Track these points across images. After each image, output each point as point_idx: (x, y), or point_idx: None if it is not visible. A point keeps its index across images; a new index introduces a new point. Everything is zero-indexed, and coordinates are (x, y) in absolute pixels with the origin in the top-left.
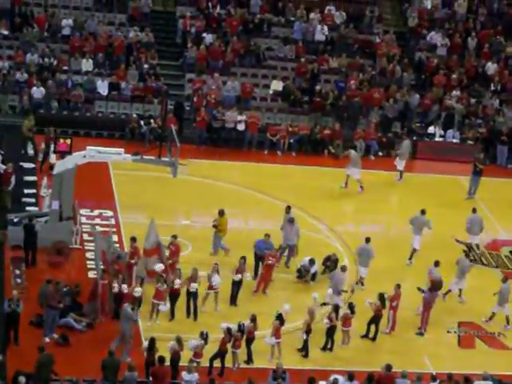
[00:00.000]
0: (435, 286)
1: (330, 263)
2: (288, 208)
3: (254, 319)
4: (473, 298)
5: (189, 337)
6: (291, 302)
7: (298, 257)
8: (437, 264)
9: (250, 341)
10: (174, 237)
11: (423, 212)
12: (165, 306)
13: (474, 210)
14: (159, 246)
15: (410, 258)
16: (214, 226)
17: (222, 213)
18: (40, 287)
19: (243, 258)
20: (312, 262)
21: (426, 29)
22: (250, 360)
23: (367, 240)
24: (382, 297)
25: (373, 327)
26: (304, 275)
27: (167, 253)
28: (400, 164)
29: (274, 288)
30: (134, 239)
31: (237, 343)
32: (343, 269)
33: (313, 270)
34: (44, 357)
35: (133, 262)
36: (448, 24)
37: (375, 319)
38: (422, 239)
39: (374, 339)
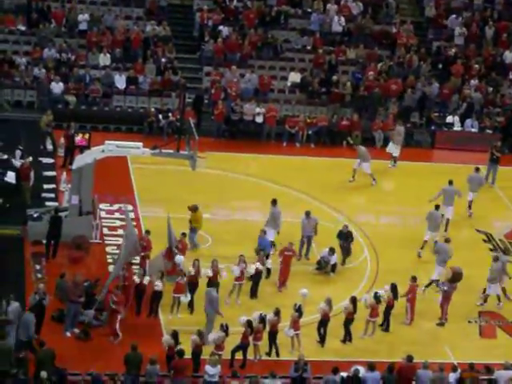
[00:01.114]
0: (455, 277)
1: (350, 238)
2: (274, 201)
3: (277, 312)
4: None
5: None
6: (312, 294)
7: (316, 246)
8: (496, 259)
9: (273, 334)
10: (184, 234)
11: (451, 183)
12: (186, 298)
13: (477, 169)
14: (172, 250)
15: (446, 230)
16: (191, 222)
17: (195, 208)
18: (55, 282)
19: (262, 250)
20: (332, 251)
21: (444, 18)
22: (276, 354)
23: (436, 207)
24: (394, 288)
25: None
26: (324, 266)
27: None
28: (395, 150)
29: (295, 280)
30: (148, 232)
31: (258, 335)
32: (447, 240)
33: (333, 261)
34: (43, 353)
35: (143, 254)
36: (465, 13)
37: (387, 310)
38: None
39: (386, 329)
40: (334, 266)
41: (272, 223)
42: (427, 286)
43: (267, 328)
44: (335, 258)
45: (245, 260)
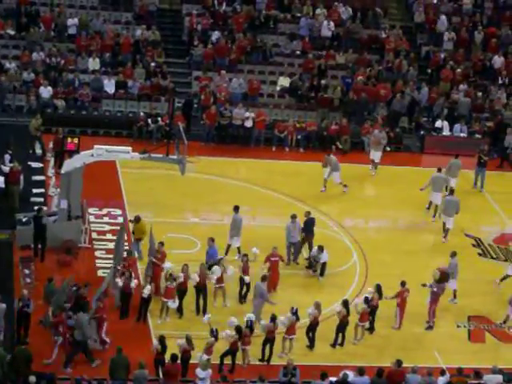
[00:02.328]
0: (443, 278)
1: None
2: (236, 208)
3: (273, 318)
4: (482, 292)
5: (198, 334)
6: (302, 299)
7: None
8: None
9: (270, 341)
10: (161, 243)
11: (439, 170)
12: (174, 303)
13: (457, 156)
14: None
15: (434, 216)
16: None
17: (137, 219)
18: (44, 286)
19: (245, 255)
20: (321, 249)
21: (433, 23)
22: (267, 360)
23: (451, 192)
24: (379, 288)
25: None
26: (313, 265)
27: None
28: (375, 156)
29: (285, 284)
30: (130, 253)
31: (246, 340)
32: None
33: (323, 259)
34: (18, 350)
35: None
36: (454, 18)
37: (372, 311)
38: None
39: (371, 330)
40: (322, 269)
41: (235, 230)
42: (502, 280)
43: (264, 334)
44: (325, 256)
45: (223, 264)
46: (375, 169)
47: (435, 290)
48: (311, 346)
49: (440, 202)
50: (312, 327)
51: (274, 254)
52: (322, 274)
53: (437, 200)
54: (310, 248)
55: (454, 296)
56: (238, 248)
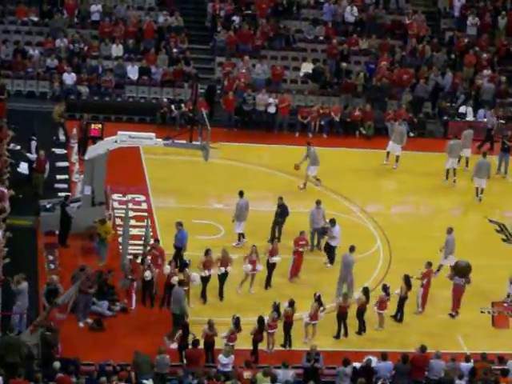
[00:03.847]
0: (460, 270)
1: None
2: (241, 193)
3: (292, 304)
4: (506, 277)
5: (222, 320)
6: (324, 286)
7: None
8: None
9: (288, 325)
10: (157, 240)
11: (456, 137)
12: (194, 281)
13: (470, 126)
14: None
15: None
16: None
17: (103, 221)
18: (73, 272)
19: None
20: (333, 222)
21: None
22: (288, 344)
23: (484, 155)
24: (407, 279)
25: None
26: (323, 232)
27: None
28: (396, 148)
29: (308, 269)
30: (136, 256)
31: (272, 324)
32: None
33: (335, 233)
34: (44, 336)
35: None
36: (478, 3)
37: (401, 301)
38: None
39: (400, 320)
40: (332, 256)
41: (239, 215)
42: None
43: (282, 319)
44: (338, 231)
45: (256, 250)
46: (396, 162)
47: (456, 281)
48: (338, 335)
49: (457, 167)
50: (340, 317)
51: (302, 238)
52: (331, 261)
53: (454, 165)
54: (280, 231)
55: (438, 270)
56: (239, 234)
